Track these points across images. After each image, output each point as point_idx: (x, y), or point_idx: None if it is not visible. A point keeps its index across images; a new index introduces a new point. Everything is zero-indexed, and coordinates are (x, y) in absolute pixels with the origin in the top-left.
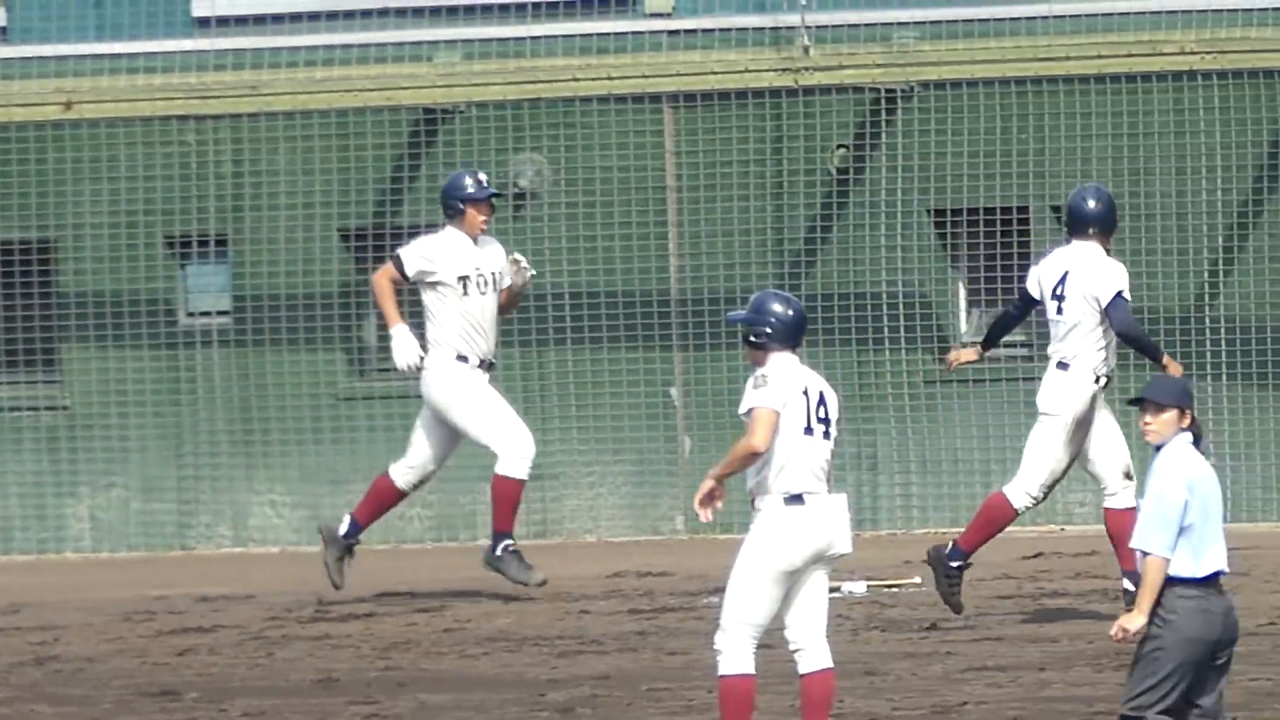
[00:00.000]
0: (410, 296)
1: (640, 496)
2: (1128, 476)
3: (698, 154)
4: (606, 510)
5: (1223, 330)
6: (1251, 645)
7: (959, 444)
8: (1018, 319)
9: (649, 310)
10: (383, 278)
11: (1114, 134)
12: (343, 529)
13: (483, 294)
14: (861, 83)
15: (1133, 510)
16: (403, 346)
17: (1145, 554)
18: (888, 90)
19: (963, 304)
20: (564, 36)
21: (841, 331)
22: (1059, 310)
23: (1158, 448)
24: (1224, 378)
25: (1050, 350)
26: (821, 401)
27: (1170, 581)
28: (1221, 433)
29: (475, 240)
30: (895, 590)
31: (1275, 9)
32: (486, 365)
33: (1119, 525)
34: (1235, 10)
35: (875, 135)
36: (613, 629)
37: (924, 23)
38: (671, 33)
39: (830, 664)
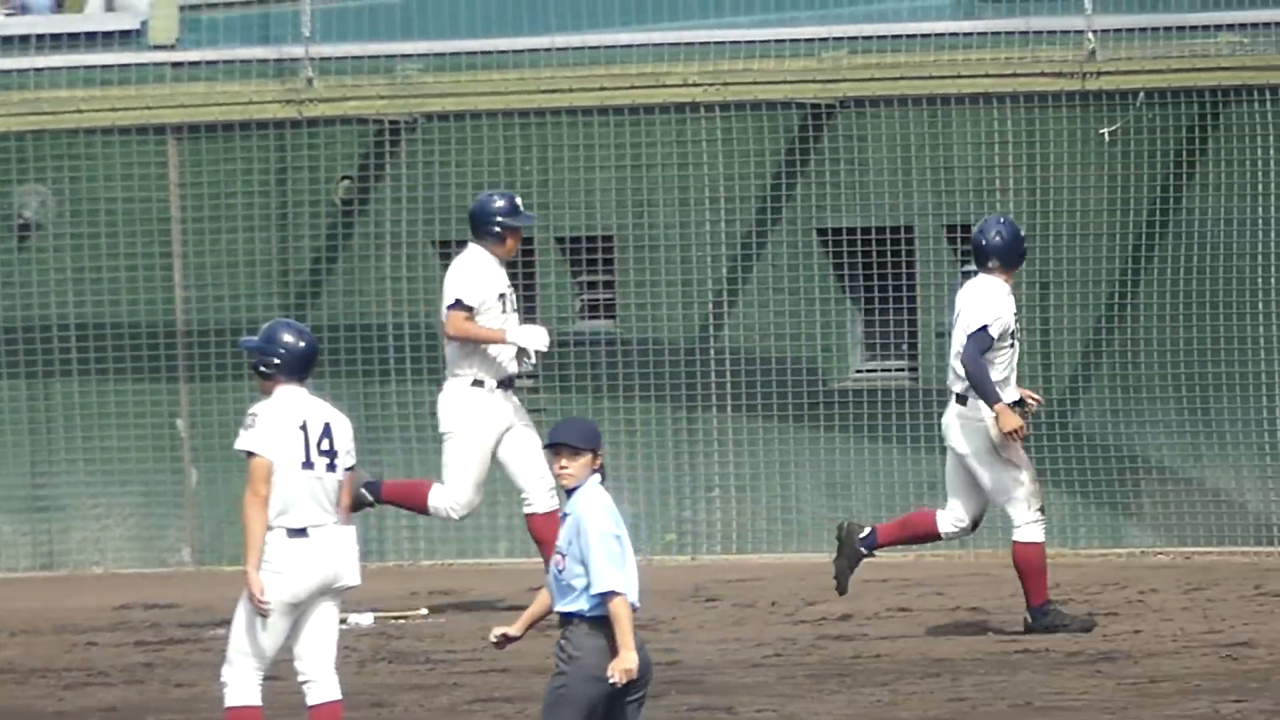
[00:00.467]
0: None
1: (147, 528)
2: (1040, 510)
3: (202, 185)
4: (113, 542)
5: (727, 361)
6: (756, 676)
7: None
8: None
9: (155, 341)
10: (459, 323)
11: (618, 165)
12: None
13: (512, 311)
14: (365, 114)
15: (1041, 544)
16: (530, 333)
17: (609, 596)
18: (391, 121)
19: None
20: (68, 68)
21: (348, 362)
22: (951, 341)
23: (569, 491)
24: (728, 409)
25: (948, 382)
26: (326, 433)
27: (579, 619)
28: (726, 464)
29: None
30: (402, 621)
31: (777, 41)
32: (507, 383)
33: (1026, 557)
34: (738, 43)
35: (380, 166)
36: (120, 661)
37: (428, 55)
38: (175, 64)
39: (338, 696)
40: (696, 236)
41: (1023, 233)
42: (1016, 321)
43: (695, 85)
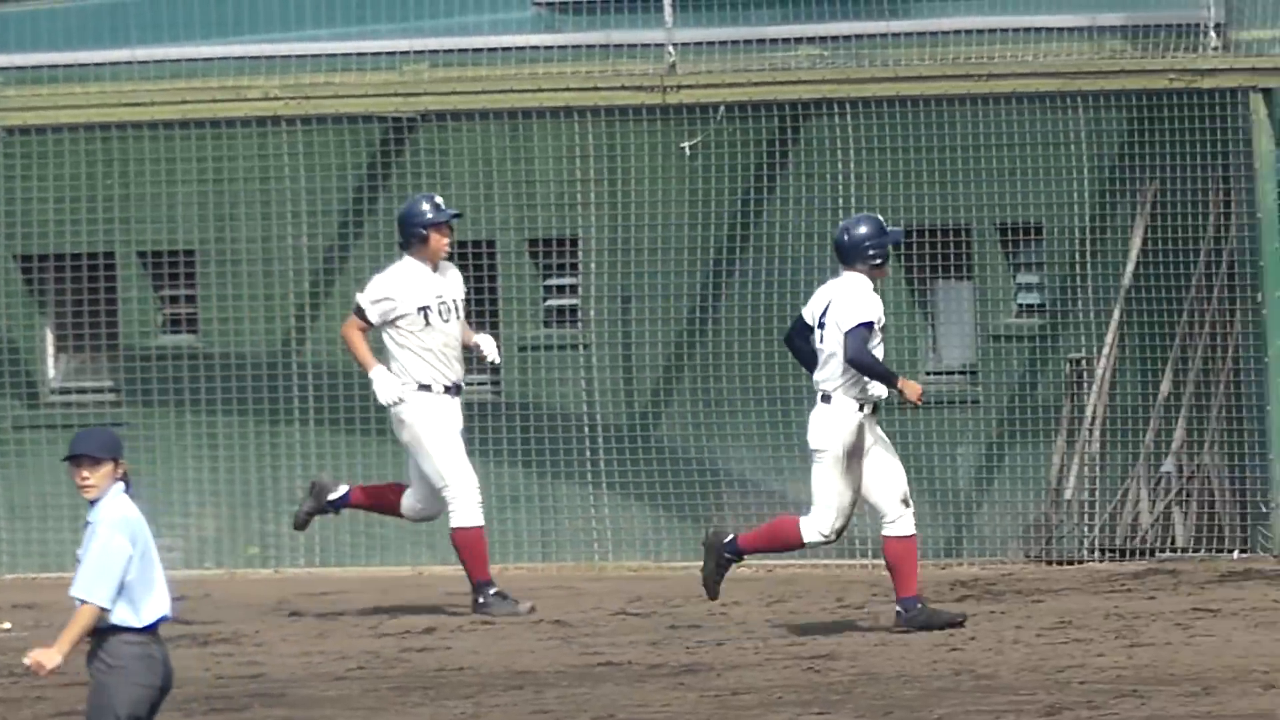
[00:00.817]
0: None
1: None
2: (905, 503)
3: None
4: None
5: (310, 375)
6: (341, 689)
7: (48, 489)
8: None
9: None
10: (350, 330)
11: (200, 179)
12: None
13: (445, 321)
14: None
15: (913, 538)
16: (384, 385)
17: (83, 602)
18: None
19: (50, 350)
20: None
21: None
22: (820, 339)
23: (93, 501)
24: (310, 422)
25: (814, 380)
26: None
27: (115, 630)
28: (309, 477)
29: (435, 267)
30: None
31: (358, 54)
32: (454, 390)
33: (896, 553)
34: (319, 56)
35: None
36: None
37: (8, 68)
38: None
39: None
40: (279, 250)
41: (889, 229)
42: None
43: (276, 99)
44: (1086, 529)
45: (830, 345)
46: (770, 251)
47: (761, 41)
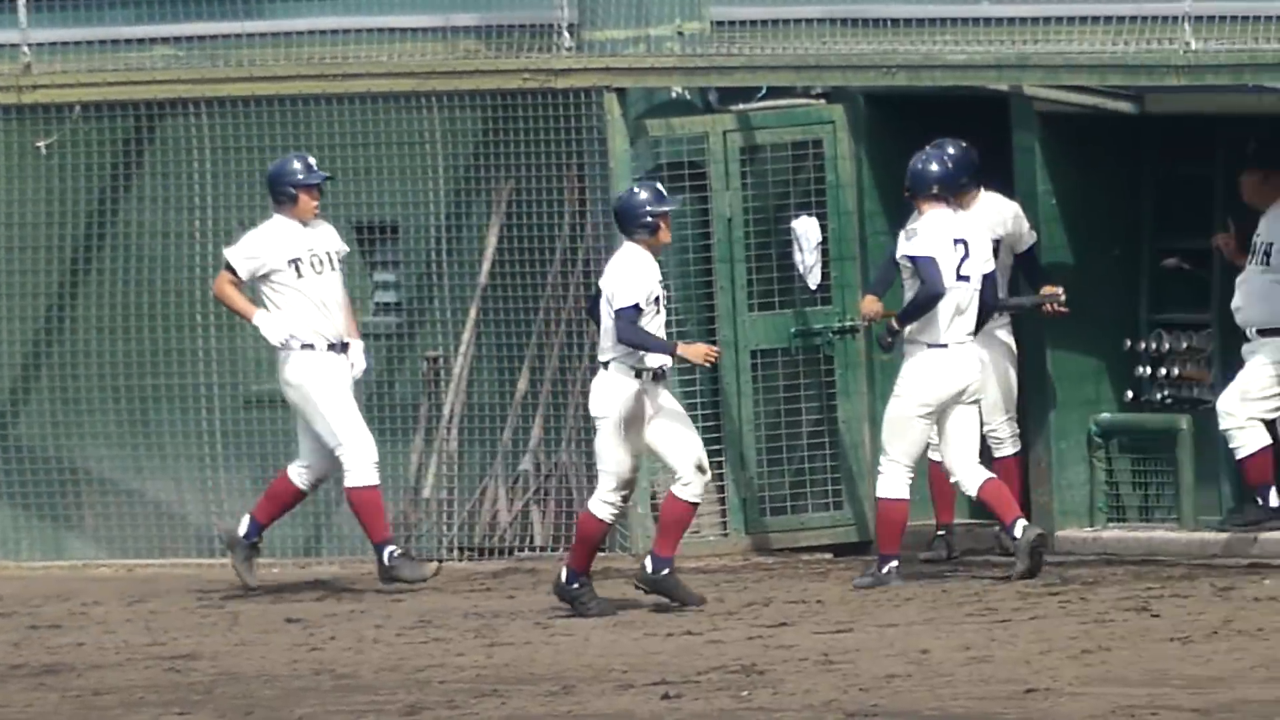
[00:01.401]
0: None
1: None
2: (700, 470)
3: None
4: None
5: None
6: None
7: None
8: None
9: None
10: (222, 284)
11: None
12: (243, 529)
13: (319, 273)
14: None
15: (693, 506)
16: (269, 326)
17: None
18: None
19: None
20: None
21: None
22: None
23: None
24: None
25: (599, 352)
26: None
27: None
28: None
29: (305, 224)
30: None
31: None
32: (339, 348)
33: (673, 512)
34: None
35: None
36: None
37: None
38: None
39: None
40: None
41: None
42: (662, 286)
43: None
44: (445, 528)
45: (606, 318)
46: (128, 250)
47: (117, 42)
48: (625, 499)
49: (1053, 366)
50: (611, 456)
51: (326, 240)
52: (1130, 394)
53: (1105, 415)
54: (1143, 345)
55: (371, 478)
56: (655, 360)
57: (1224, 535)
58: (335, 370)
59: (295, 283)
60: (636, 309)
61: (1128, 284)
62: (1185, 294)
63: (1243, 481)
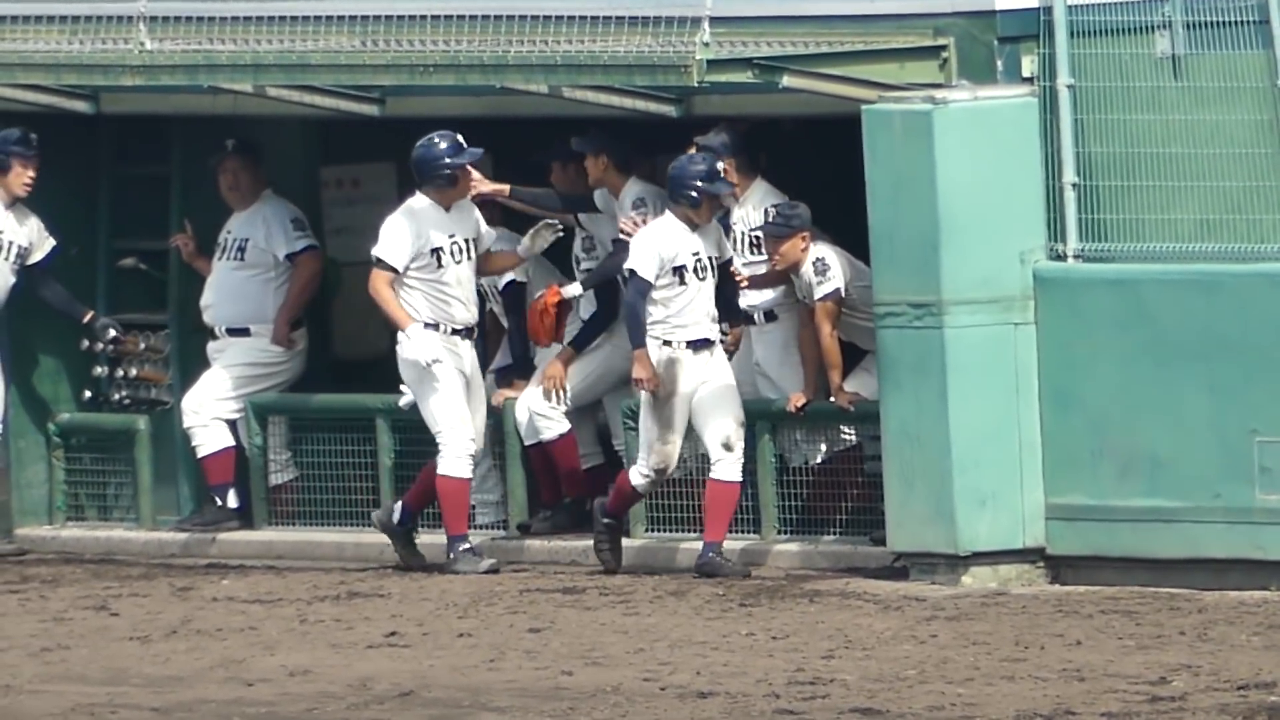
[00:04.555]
0: None
1: None
2: (726, 447)
3: None
4: None
5: None
6: None
7: None
8: None
9: None
10: (379, 284)
11: None
12: (395, 516)
13: (457, 263)
14: None
15: (732, 484)
16: (421, 343)
17: None
18: None
19: None
20: None
21: None
22: None
23: None
24: None
25: None
26: None
27: None
28: None
29: (449, 209)
30: None
31: None
32: (464, 333)
33: (711, 495)
34: None
35: None
36: None
37: None
38: None
39: None
40: None
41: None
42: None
43: None
44: None
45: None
46: None
47: None
48: (659, 472)
49: (13, 366)
50: (644, 426)
51: (468, 226)
52: (89, 393)
53: (65, 415)
54: (100, 346)
55: (462, 469)
56: (692, 332)
57: (183, 535)
58: (454, 356)
59: (434, 272)
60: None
61: (85, 283)
62: (142, 294)
63: (204, 481)
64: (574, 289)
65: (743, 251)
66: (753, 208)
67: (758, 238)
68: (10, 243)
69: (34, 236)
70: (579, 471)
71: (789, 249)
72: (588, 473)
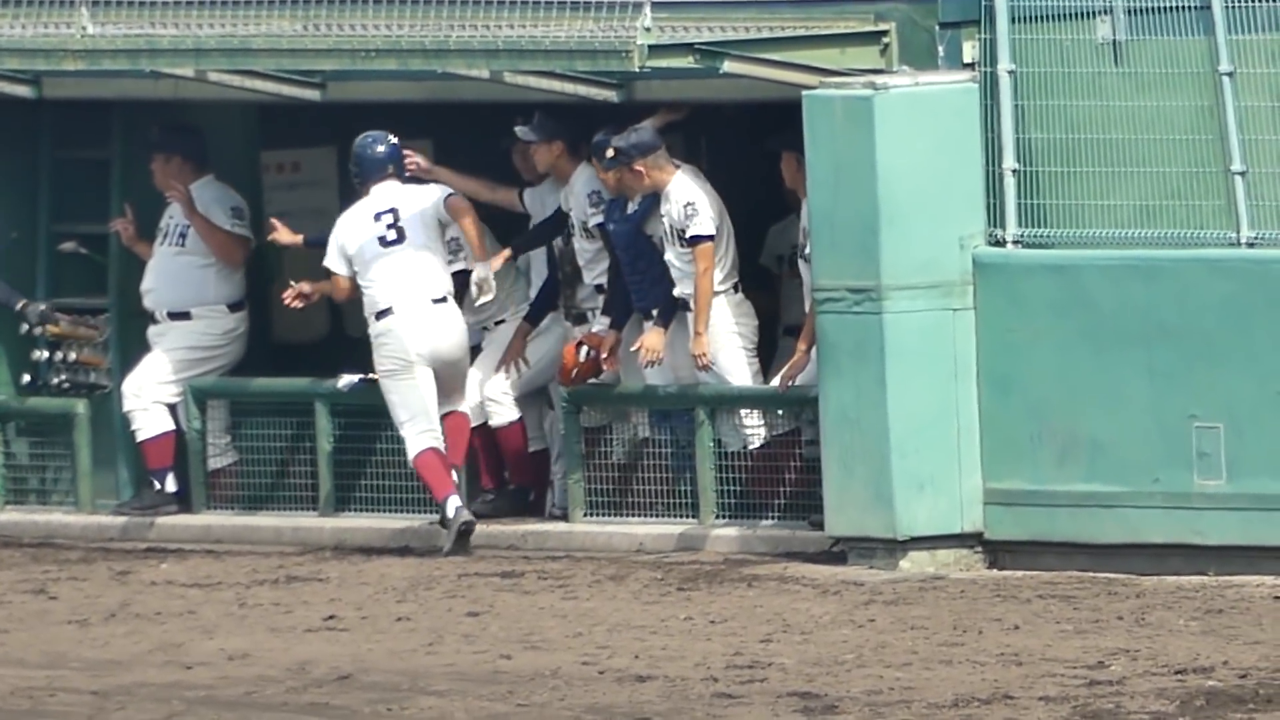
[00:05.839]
0: None
1: None
2: None
3: None
4: None
5: None
6: None
7: None
8: None
9: None
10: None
11: None
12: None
13: None
14: None
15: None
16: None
17: None
18: None
19: None
20: None
21: None
22: None
23: None
24: None
25: None
26: None
27: None
28: None
29: None
30: None
31: None
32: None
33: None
34: None
35: None
36: None
37: None
38: None
39: None
40: None
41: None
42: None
43: None
44: None
45: None
46: None
47: None
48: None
49: None
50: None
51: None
52: (28, 377)
53: (2, 398)
54: (33, 329)
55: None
56: None
57: (122, 519)
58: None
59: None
60: None
61: (26, 268)
62: (83, 279)
63: (143, 465)
64: (486, 269)
65: (673, 243)
66: (671, 202)
67: (680, 231)
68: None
69: None
70: (526, 458)
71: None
72: (532, 457)
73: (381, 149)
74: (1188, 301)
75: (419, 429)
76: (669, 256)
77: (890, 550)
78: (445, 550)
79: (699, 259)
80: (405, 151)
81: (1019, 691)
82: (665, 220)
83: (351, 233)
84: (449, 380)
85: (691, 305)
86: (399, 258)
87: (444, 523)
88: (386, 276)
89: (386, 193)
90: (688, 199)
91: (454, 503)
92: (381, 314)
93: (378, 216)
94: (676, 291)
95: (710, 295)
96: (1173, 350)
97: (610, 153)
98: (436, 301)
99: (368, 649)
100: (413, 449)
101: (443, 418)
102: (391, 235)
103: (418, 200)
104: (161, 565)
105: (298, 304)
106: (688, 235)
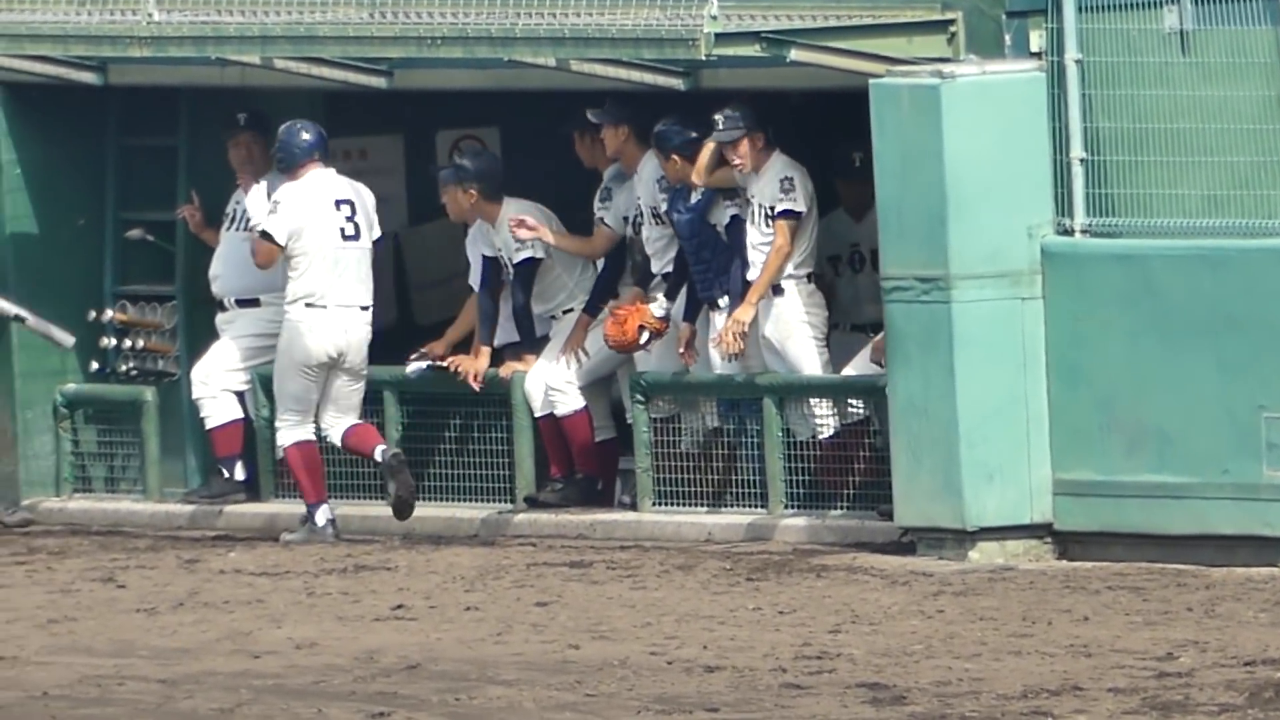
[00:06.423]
0: None
1: None
2: None
3: None
4: None
5: None
6: None
7: None
8: None
9: None
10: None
11: None
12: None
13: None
14: None
15: None
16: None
17: None
18: None
19: None
20: None
21: None
22: None
23: None
24: None
25: None
26: None
27: None
28: None
29: None
30: None
31: None
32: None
33: None
34: None
35: None
36: None
37: None
38: None
39: None
40: None
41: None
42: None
43: None
44: None
45: None
46: None
47: None
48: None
49: (17, 336)
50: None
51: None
52: (96, 365)
53: (71, 386)
54: (108, 316)
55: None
56: None
57: (190, 507)
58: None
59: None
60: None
61: (93, 255)
62: (150, 266)
63: (212, 453)
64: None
65: (759, 224)
66: (768, 182)
67: (771, 209)
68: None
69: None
70: (592, 447)
71: (744, 150)
72: (599, 446)
73: (308, 136)
74: (1256, 291)
75: (296, 421)
76: (752, 238)
77: (959, 541)
78: (284, 539)
79: (779, 233)
80: (513, 219)
81: (1088, 683)
82: (754, 201)
83: (309, 213)
84: (344, 388)
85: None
86: (354, 255)
87: (305, 521)
88: (336, 272)
89: (335, 181)
90: (786, 174)
91: (325, 514)
92: (313, 306)
93: (338, 205)
94: (751, 273)
95: (776, 272)
96: (1241, 340)
97: (721, 124)
98: (363, 308)
99: (436, 638)
100: (288, 439)
101: (350, 429)
102: (350, 230)
103: (367, 197)
104: (230, 553)
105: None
106: (778, 209)
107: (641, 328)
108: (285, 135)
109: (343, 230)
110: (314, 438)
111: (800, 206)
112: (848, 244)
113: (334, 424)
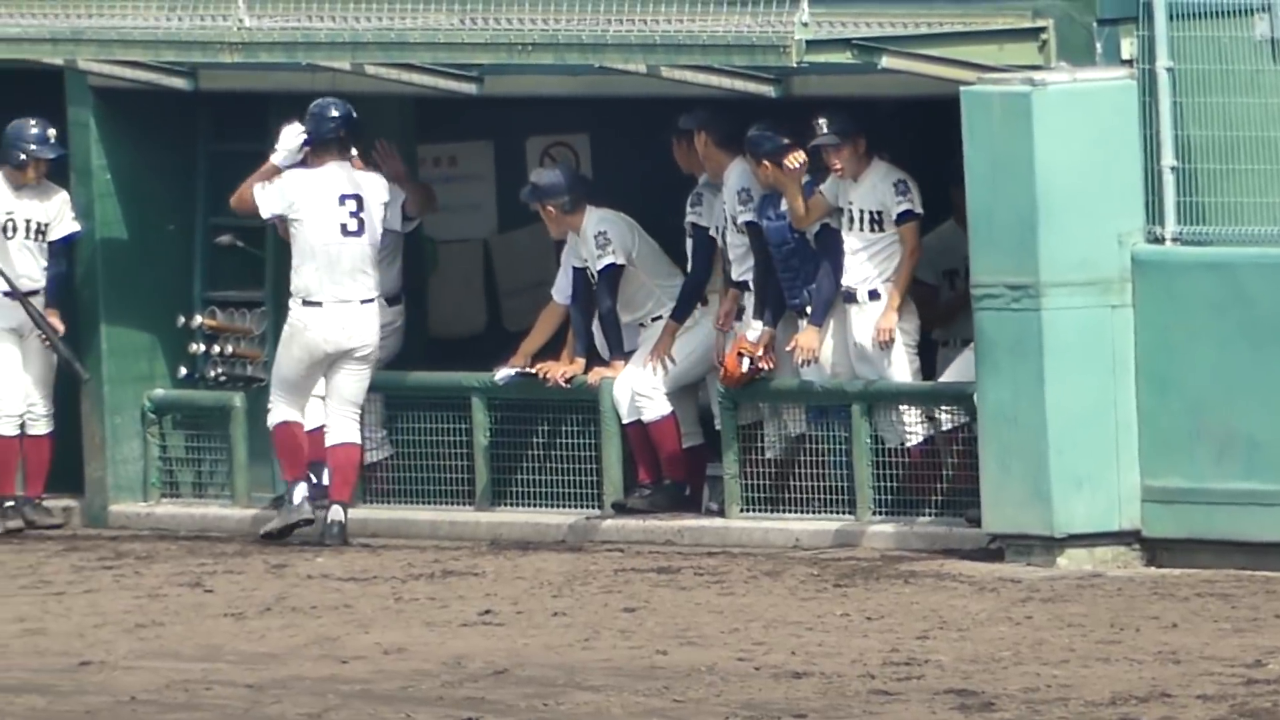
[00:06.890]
0: None
1: None
2: None
3: None
4: None
5: None
6: None
7: None
8: None
9: None
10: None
11: None
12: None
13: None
14: None
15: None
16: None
17: None
18: None
19: None
20: None
21: None
22: None
23: None
24: None
25: None
26: None
27: None
28: None
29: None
30: None
31: None
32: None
33: None
34: None
35: None
36: None
37: None
38: None
39: None
40: None
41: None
42: None
43: None
44: None
45: None
46: None
47: None
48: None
49: (106, 341)
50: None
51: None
52: (184, 370)
53: (159, 391)
54: (197, 321)
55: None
56: None
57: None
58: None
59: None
60: None
61: (182, 260)
62: (239, 271)
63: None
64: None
65: (861, 230)
66: (869, 187)
67: (876, 214)
68: (27, 221)
69: (53, 214)
70: (679, 453)
71: (846, 155)
72: (687, 452)
73: (336, 113)
74: None
75: (286, 402)
76: (850, 245)
77: (1048, 547)
78: (265, 531)
79: (906, 237)
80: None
81: (1177, 690)
82: (853, 206)
83: (310, 204)
84: (346, 378)
85: (866, 294)
86: (354, 250)
87: (278, 503)
88: (332, 269)
89: (346, 175)
90: (898, 176)
91: (301, 492)
92: (309, 304)
93: (342, 200)
94: (846, 280)
95: (910, 279)
96: None
97: (823, 128)
98: (365, 302)
99: (523, 644)
100: (276, 417)
101: (334, 447)
102: (353, 225)
103: (377, 192)
104: (317, 559)
105: None
106: (897, 212)
107: (740, 355)
108: (316, 109)
109: (344, 225)
110: (301, 419)
111: (919, 208)
112: (962, 257)
113: (334, 424)
